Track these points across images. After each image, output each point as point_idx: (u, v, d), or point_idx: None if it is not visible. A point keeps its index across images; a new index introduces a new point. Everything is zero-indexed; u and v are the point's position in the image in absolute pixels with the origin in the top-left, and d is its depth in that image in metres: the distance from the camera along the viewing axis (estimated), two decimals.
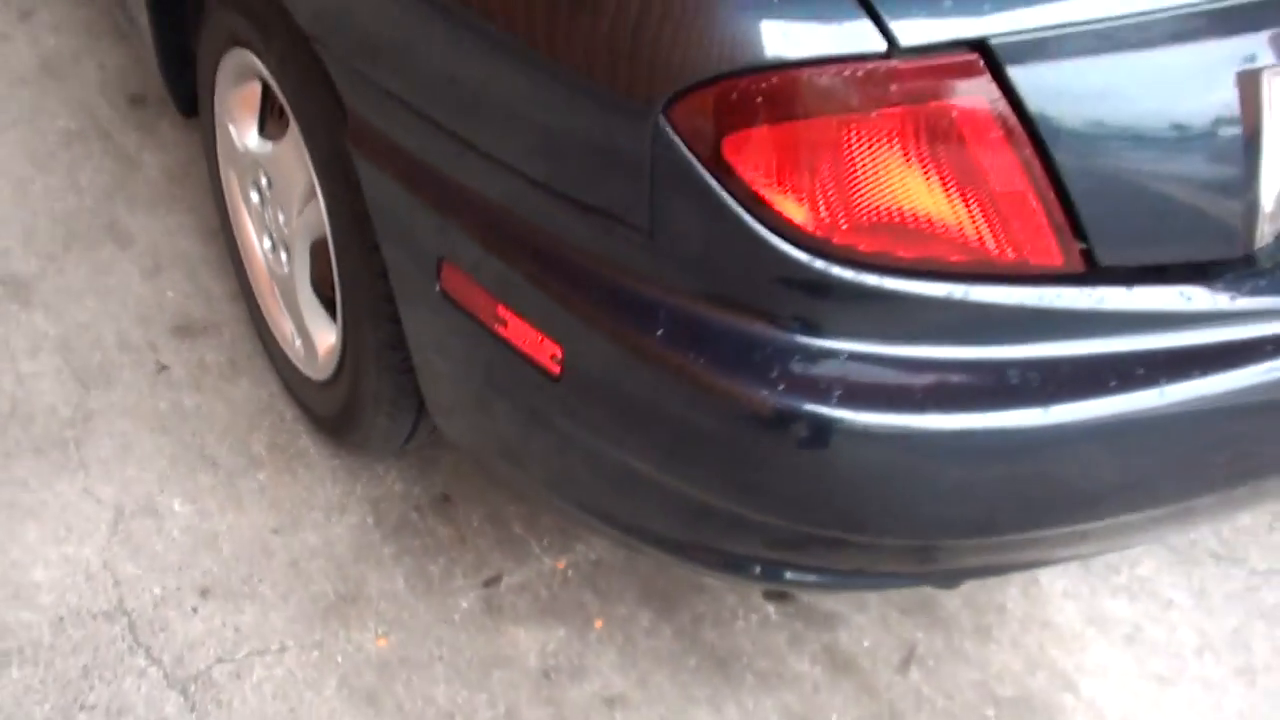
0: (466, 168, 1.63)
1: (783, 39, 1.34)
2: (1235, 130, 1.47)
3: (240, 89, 2.23)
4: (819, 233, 1.40)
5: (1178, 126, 1.46)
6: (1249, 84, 1.46)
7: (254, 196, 2.31)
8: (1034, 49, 1.37)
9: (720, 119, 1.37)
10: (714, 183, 1.39)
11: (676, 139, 1.39)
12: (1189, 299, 1.53)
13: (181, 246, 2.71)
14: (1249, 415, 1.59)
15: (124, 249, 2.70)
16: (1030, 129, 1.39)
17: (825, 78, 1.34)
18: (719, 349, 1.49)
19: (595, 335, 1.56)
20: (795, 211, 1.39)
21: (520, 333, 1.65)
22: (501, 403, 1.80)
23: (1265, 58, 1.46)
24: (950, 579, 1.87)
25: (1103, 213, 1.46)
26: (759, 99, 1.35)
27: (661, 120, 1.39)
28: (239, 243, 2.42)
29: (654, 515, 1.71)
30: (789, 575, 1.74)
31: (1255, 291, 1.57)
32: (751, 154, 1.37)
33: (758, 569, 1.72)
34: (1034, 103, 1.37)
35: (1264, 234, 1.56)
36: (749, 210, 1.40)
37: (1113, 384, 1.51)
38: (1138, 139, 1.44)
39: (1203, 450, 1.60)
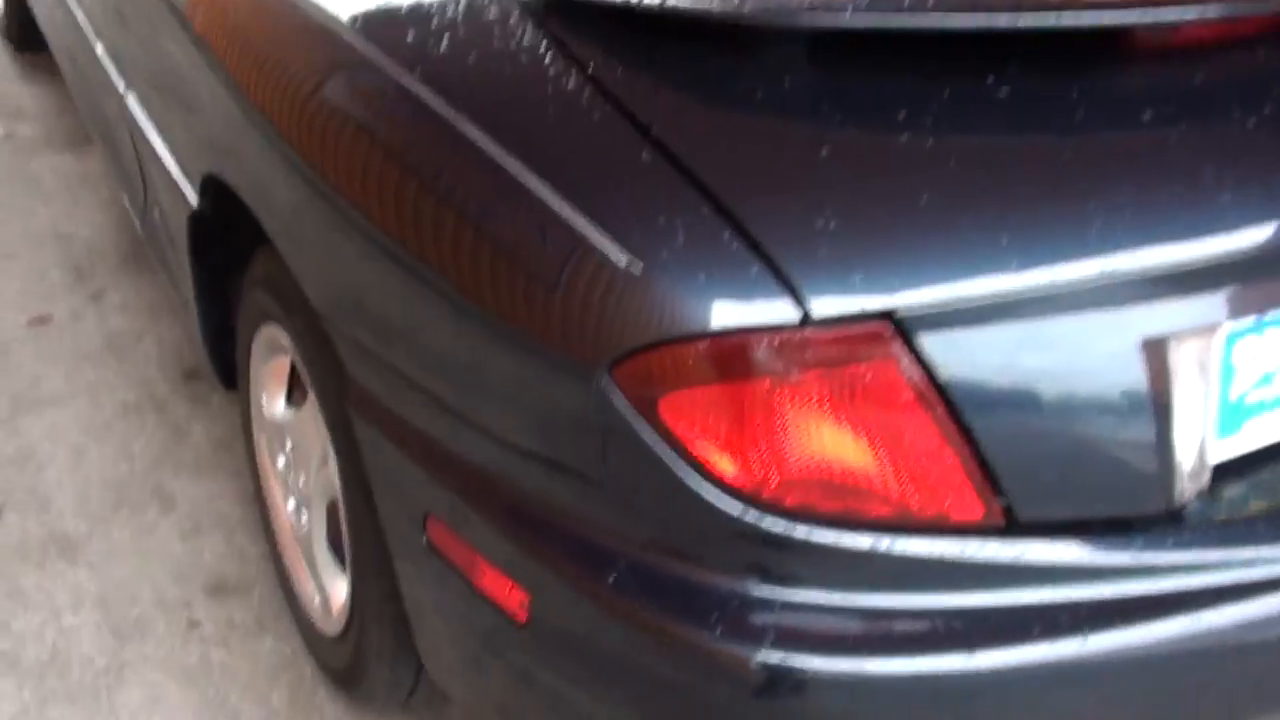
0: (447, 429, 1.78)
1: (710, 310, 1.48)
2: (1145, 395, 1.59)
3: (271, 362, 2.43)
4: (748, 487, 1.52)
5: (1087, 391, 1.57)
6: (1156, 351, 1.58)
7: (280, 461, 2.48)
8: (942, 318, 1.50)
9: (656, 382, 1.51)
10: (653, 440, 1.53)
11: (620, 400, 1.53)
12: (1110, 554, 1.62)
13: (221, 510, 2.88)
14: (1176, 667, 1.66)
15: (167, 512, 2.87)
16: (942, 392, 1.51)
17: (748, 346, 1.48)
18: (664, 596, 1.60)
19: (557, 583, 1.67)
20: (726, 467, 1.52)
21: (495, 582, 1.77)
22: (485, 654, 1.91)
23: (1170, 325, 1.59)
24: None
25: (1018, 470, 1.57)
26: (690, 364, 1.50)
27: (606, 382, 1.53)
28: (268, 505, 2.59)
29: None
30: None
31: (1178, 547, 1.65)
32: (685, 414, 1.51)
33: None
34: (944, 368, 1.50)
35: (1185, 492, 1.66)
36: (685, 465, 1.53)
37: (1037, 632, 1.59)
38: (1048, 402, 1.56)
39: (1129, 699, 1.67)
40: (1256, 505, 1.72)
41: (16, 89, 4.66)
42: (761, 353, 1.48)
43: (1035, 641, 1.59)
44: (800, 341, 1.47)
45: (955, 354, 1.51)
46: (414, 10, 1.88)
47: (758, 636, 1.56)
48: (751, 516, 1.54)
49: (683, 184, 1.52)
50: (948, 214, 1.53)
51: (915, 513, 1.55)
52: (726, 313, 1.48)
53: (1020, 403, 1.55)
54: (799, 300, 1.46)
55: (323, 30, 1.95)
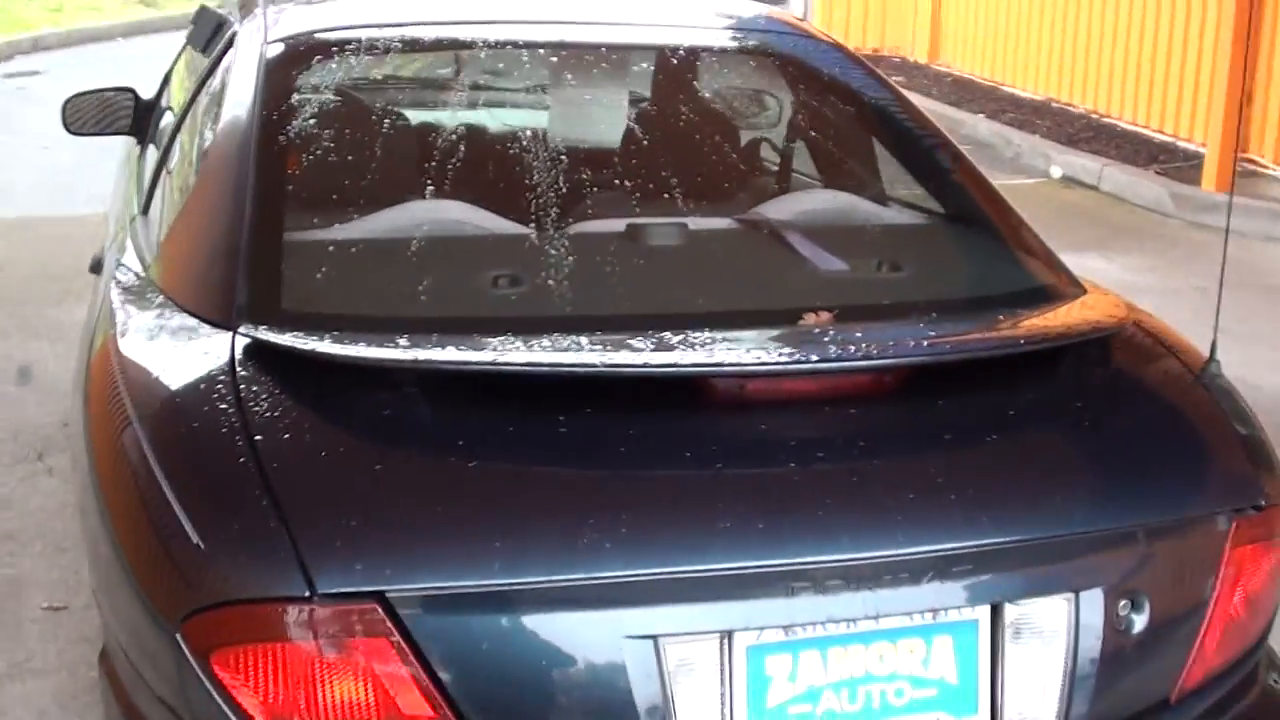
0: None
1: (244, 582, 1.82)
2: (635, 688, 1.82)
3: None
4: None
5: (576, 680, 1.83)
6: (645, 648, 1.82)
7: None
8: (432, 604, 1.79)
9: (206, 638, 1.84)
10: (210, 687, 1.84)
11: (185, 650, 1.85)
12: None
13: None
14: None
15: None
16: (425, 664, 1.78)
17: (268, 613, 1.80)
18: None
19: None
20: (261, 713, 1.82)
21: None
22: None
23: (661, 627, 1.83)
24: None
25: None
26: (230, 626, 1.82)
27: (178, 635, 1.86)
28: None
29: None
30: None
31: None
32: (229, 666, 1.82)
33: None
34: (428, 644, 1.79)
35: None
36: (229, 711, 1.83)
37: None
38: (537, 685, 1.82)
39: None
40: None
41: None
42: (277, 619, 1.79)
43: None
44: (306, 611, 1.78)
45: (443, 635, 1.80)
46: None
47: None
48: None
49: (259, 488, 1.87)
50: (447, 524, 1.85)
51: None
52: (254, 585, 1.81)
53: (506, 685, 1.82)
54: (309, 579, 1.78)
55: None
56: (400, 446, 1.96)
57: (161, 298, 2.40)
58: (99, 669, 2.28)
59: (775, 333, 2.19)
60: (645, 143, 3.04)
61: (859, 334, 2.18)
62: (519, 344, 2.05)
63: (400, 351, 2.03)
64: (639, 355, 2.04)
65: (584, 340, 2.09)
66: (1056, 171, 8.71)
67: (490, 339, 2.07)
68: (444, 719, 1.81)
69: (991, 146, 9.47)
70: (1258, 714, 2.27)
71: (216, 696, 1.83)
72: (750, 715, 1.92)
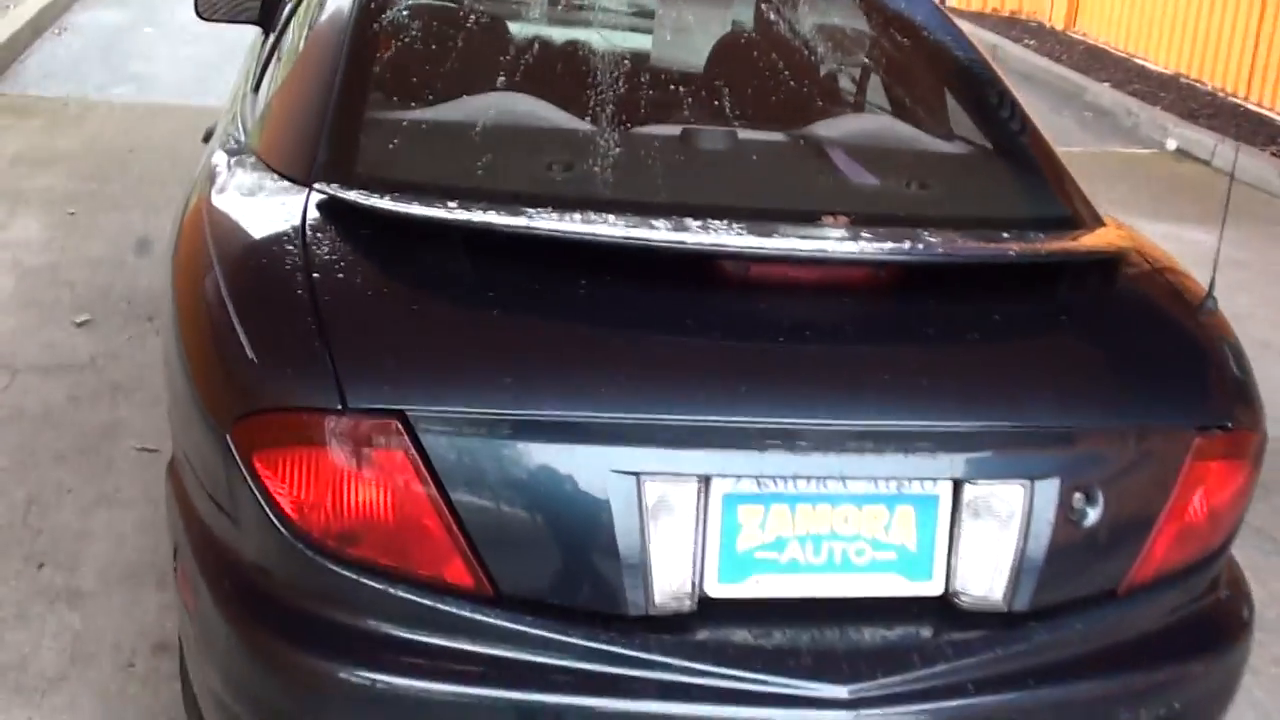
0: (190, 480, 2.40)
1: (287, 393, 2.09)
2: (617, 518, 2.07)
3: None
4: (304, 527, 2.09)
5: (566, 505, 2.07)
6: (629, 483, 2.06)
7: None
8: (443, 421, 2.05)
9: (251, 440, 2.11)
10: (251, 483, 2.12)
11: (234, 451, 2.13)
12: (583, 639, 2.09)
13: None
14: None
15: None
16: (439, 482, 2.04)
17: (304, 421, 2.07)
18: (260, 612, 2.17)
19: (205, 587, 2.25)
20: (292, 509, 2.09)
21: (182, 581, 2.36)
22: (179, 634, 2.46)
23: (643, 465, 2.07)
24: None
25: (504, 557, 2.07)
26: (271, 430, 2.10)
27: (228, 438, 2.14)
28: None
29: None
30: None
31: (650, 650, 2.11)
32: (265, 466, 2.10)
33: None
34: (440, 460, 2.04)
35: (668, 608, 2.11)
36: (268, 506, 2.10)
37: (514, 682, 2.09)
38: (530, 508, 2.07)
39: None
40: (739, 637, 2.14)
41: None
42: (311, 426, 2.06)
43: (514, 689, 2.09)
44: (336, 422, 2.05)
45: (451, 451, 2.05)
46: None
47: (315, 648, 2.10)
48: (308, 553, 2.09)
49: (310, 315, 2.13)
50: (465, 358, 2.11)
51: (418, 571, 2.08)
52: (294, 395, 2.08)
53: (505, 503, 2.07)
54: (341, 394, 2.04)
55: None
56: (435, 292, 2.21)
57: (254, 159, 2.68)
58: (166, 479, 2.57)
59: (788, 227, 2.39)
60: (723, 66, 3.26)
61: (861, 235, 2.38)
62: (553, 216, 2.29)
63: (446, 213, 2.27)
64: (655, 233, 2.27)
65: (610, 218, 2.32)
66: (1171, 144, 8.73)
67: (529, 210, 2.31)
68: (447, 528, 2.06)
69: (1111, 115, 9.50)
70: (1205, 620, 2.45)
71: (256, 493, 2.10)
72: (722, 555, 2.15)
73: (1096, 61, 10.97)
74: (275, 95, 2.89)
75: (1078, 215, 2.72)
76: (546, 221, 2.26)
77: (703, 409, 2.11)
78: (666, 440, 2.10)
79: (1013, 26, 12.39)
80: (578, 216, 2.30)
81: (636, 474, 2.08)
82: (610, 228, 2.28)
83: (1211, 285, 2.55)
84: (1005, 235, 2.54)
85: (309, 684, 2.13)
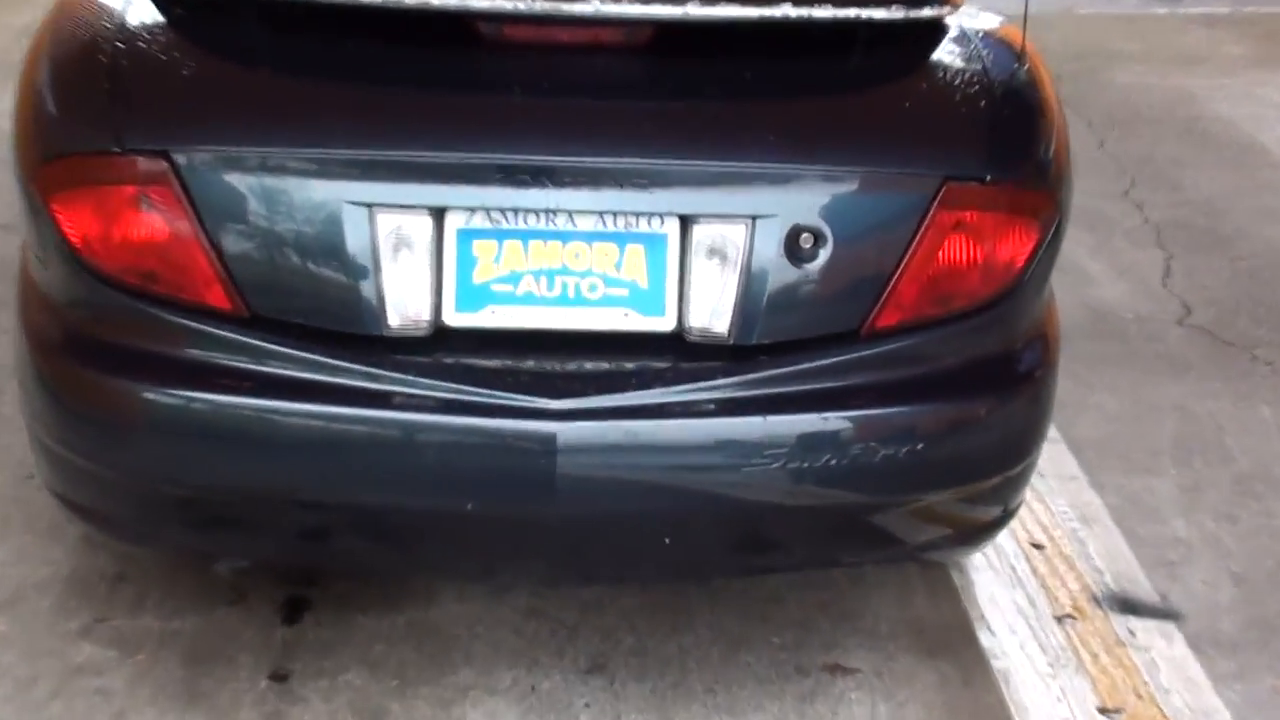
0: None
1: (73, 138, 2.38)
2: (352, 246, 2.31)
3: None
4: (92, 260, 2.38)
5: (308, 235, 2.31)
6: (362, 214, 2.30)
7: None
8: (202, 160, 2.31)
9: (48, 184, 2.40)
10: (51, 225, 2.42)
11: (38, 195, 2.43)
12: (328, 357, 2.35)
13: None
14: (372, 447, 2.36)
15: None
16: (197, 212, 2.31)
17: (87, 163, 2.36)
18: (62, 342, 2.49)
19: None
20: (81, 245, 2.39)
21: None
22: None
23: (374, 198, 2.31)
24: None
25: (254, 281, 2.34)
26: (61, 173, 2.38)
27: (33, 186, 2.43)
28: None
29: None
30: None
31: (380, 365, 2.35)
32: (59, 206, 2.40)
33: None
34: (200, 196, 2.30)
35: (403, 330, 2.36)
36: (64, 244, 2.40)
37: (273, 394, 2.35)
38: (278, 236, 2.31)
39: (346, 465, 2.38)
40: (470, 360, 2.37)
41: None
42: (94, 167, 2.35)
43: (269, 399, 2.36)
44: (109, 162, 2.33)
45: (212, 190, 2.31)
46: None
47: (106, 370, 2.41)
48: (96, 284, 2.39)
49: (105, 75, 2.39)
50: (218, 102, 2.37)
51: (184, 296, 2.36)
52: (81, 140, 2.37)
53: (256, 235, 2.31)
54: (119, 137, 2.33)
55: None
56: (211, 53, 2.47)
57: None
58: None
59: None
60: None
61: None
62: None
63: None
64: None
65: None
66: None
67: None
68: (208, 257, 2.31)
69: None
70: (979, 371, 2.54)
71: (54, 233, 2.39)
72: (459, 286, 2.37)
73: None
74: None
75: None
76: None
77: (429, 143, 2.32)
78: (395, 174, 2.32)
79: None
80: None
81: (369, 205, 2.31)
82: None
83: (1022, 49, 2.60)
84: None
85: (103, 402, 2.43)
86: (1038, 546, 3.23)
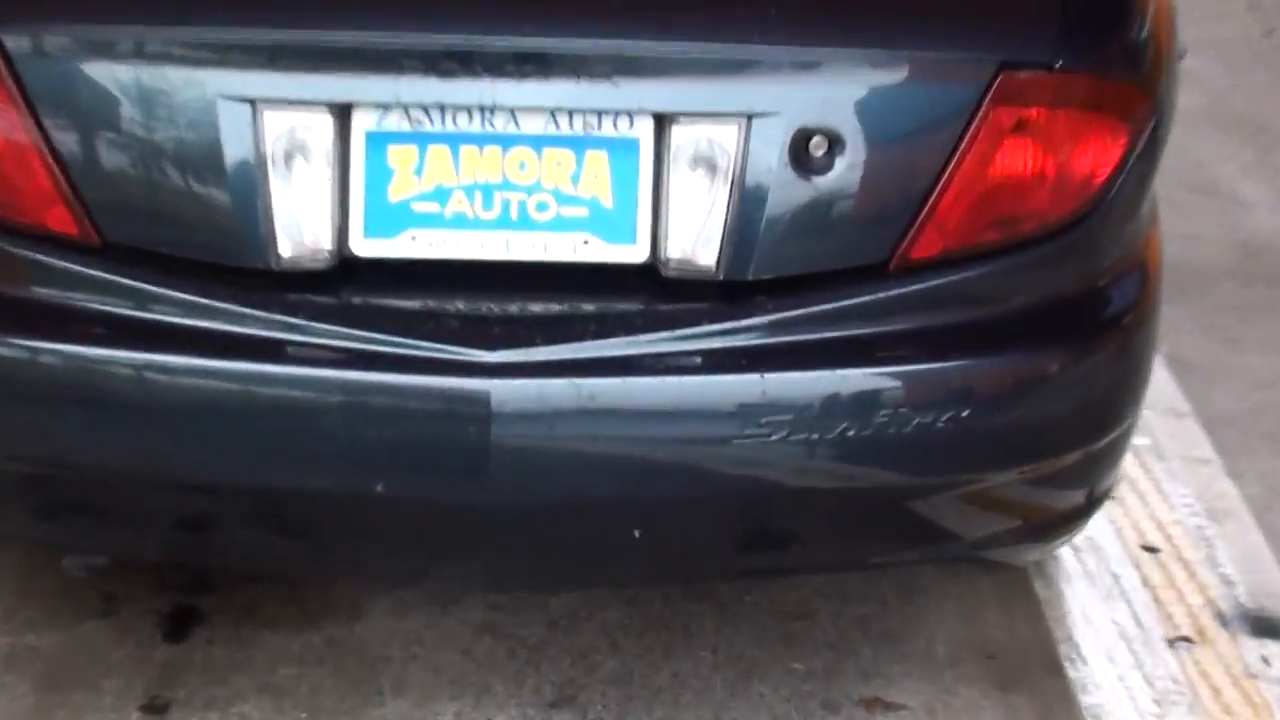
0: None
1: None
2: (229, 154, 1.86)
3: None
4: None
5: (174, 140, 1.86)
6: (243, 112, 1.83)
7: None
8: (39, 44, 1.85)
9: None
10: None
11: None
12: (196, 294, 1.89)
13: None
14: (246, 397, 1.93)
15: None
16: (34, 110, 1.86)
17: None
18: None
19: None
20: None
21: None
22: None
23: (259, 91, 1.85)
24: None
25: (105, 199, 1.89)
26: None
27: None
28: None
29: None
30: None
31: (267, 307, 1.89)
32: None
33: None
34: (36, 90, 1.85)
35: (297, 262, 1.89)
36: None
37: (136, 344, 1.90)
38: (135, 141, 1.87)
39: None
40: (382, 299, 1.94)
41: None
42: None
43: (124, 348, 1.91)
44: None
45: (51, 82, 1.86)
46: None
47: None
48: None
49: None
50: None
51: (21, 219, 1.92)
52: None
53: (107, 139, 1.87)
54: None
55: None
56: None
57: None
58: None
59: None
60: None
61: None
62: None
63: None
64: None
65: None
66: None
67: None
68: (47, 166, 1.87)
69: None
70: (1049, 317, 2.07)
71: None
72: (368, 205, 1.90)
73: None
74: None
75: None
76: None
77: (329, 21, 1.85)
78: (286, 61, 1.86)
79: None
80: None
81: (252, 101, 1.84)
82: None
83: None
84: None
85: None
86: (1150, 550, 2.78)
